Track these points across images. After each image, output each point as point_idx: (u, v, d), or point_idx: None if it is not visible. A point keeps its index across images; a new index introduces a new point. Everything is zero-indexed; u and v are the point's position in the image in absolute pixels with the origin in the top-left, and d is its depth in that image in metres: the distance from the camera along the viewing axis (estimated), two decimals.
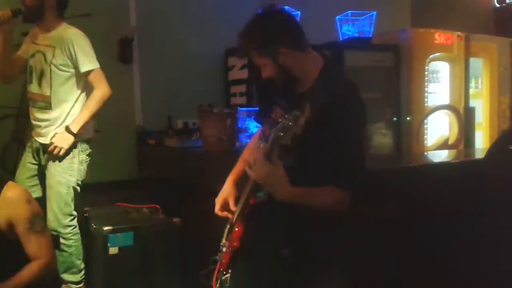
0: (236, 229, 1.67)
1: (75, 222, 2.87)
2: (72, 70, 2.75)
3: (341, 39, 4.25)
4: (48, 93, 2.75)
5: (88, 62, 2.74)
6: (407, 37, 4.39)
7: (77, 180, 2.85)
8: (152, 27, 4.20)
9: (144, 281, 2.79)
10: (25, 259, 1.85)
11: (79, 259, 2.86)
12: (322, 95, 1.49)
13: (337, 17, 4.23)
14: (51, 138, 2.77)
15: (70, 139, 2.74)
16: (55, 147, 2.73)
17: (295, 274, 1.60)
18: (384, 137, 4.27)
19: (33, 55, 2.79)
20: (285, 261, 1.59)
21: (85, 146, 2.87)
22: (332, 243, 1.62)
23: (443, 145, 4.64)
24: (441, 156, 3.97)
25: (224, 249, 1.70)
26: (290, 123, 1.36)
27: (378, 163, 2.87)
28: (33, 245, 1.83)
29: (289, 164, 1.48)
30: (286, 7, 3.84)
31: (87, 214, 3.10)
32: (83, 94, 2.83)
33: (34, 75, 2.78)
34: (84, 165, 2.88)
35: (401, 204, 2.40)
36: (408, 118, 4.37)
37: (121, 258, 2.74)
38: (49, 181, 2.79)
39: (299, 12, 3.92)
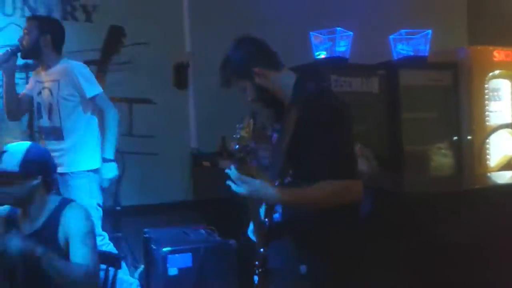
0: (261, 250, 1.74)
1: (105, 241, 2.91)
2: (78, 99, 2.87)
3: (395, 58, 4.18)
4: (58, 125, 2.86)
5: (92, 88, 2.87)
6: (465, 55, 4.28)
7: (97, 202, 2.91)
8: (206, 52, 4.31)
9: None
10: None
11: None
12: (294, 109, 1.63)
13: (391, 36, 4.18)
14: (68, 166, 2.85)
15: (114, 165, 2.90)
16: (110, 179, 2.89)
17: None
18: (445, 157, 4.12)
19: (39, 93, 2.93)
20: (305, 278, 1.62)
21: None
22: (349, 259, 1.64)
23: (507, 166, 4.42)
24: (506, 177, 3.78)
25: (257, 271, 1.76)
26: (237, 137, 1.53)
27: (439, 185, 2.77)
28: (81, 256, 1.88)
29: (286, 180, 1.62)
30: (339, 28, 3.85)
31: (146, 235, 3.17)
32: (91, 119, 2.95)
33: (43, 110, 2.91)
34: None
35: (464, 229, 2.29)
36: (469, 137, 4.20)
37: (179, 279, 2.78)
38: None
39: (351, 33, 3.91)
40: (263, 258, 1.72)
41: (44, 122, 2.93)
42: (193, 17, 4.31)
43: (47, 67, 2.92)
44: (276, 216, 1.72)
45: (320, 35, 3.88)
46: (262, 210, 1.77)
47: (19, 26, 3.74)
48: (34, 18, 2.94)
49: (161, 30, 4.15)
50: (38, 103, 2.94)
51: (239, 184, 1.55)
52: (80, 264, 1.86)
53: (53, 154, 2.81)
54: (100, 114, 2.95)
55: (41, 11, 3.83)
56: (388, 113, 4.00)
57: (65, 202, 2.00)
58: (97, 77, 3.48)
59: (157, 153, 4.10)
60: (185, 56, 4.29)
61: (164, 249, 2.82)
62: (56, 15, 3.86)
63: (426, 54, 4.18)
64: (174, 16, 4.27)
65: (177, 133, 4.24)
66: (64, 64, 2.90)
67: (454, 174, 4.09)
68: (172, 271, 2.77)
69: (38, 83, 2.96)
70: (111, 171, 2.90)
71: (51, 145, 2.86)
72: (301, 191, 1.57)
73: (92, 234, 1.94)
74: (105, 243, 2.91)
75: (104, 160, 2.90)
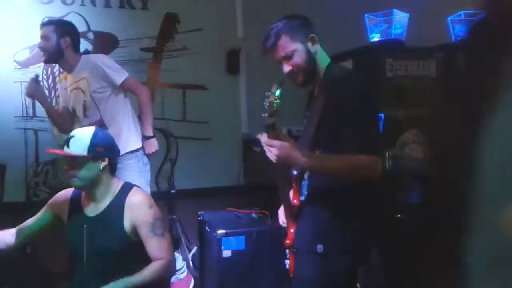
0: (291, 230, 1.84)
1: None
2: (110, 88, 2.96)
3: (453, 40, 4.02)
4: (98, 117, 2.97)
5: (119, 74, 2.96)
6: None
7: (146, 180, 3.05)
8: (258, 38, 4.30)
9: (253, 283, 2.87)
10: (146, 260, 1.97)
11: None
12: (327, 85, 1.74)
13: (449, 18, 4.01)
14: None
15: (154, 141, 3.03)
16: (152, 153, 3.03)
17: (327, 269, 1.70)
18: None
19: (70, 95, 3.03)
20: (320, 257, 1.71)
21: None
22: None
23: None
24: None
25: (287, 251, 1.86)
26: (266, 105, 1.65)
27: None
28: (154, 247, 1.95)
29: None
30: (395, 10, 3.74)
31: (201, 218, 3.25)
32: (125, 102, 3.05)
33: (77, 110, 3.02)
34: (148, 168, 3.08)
35: None
36: None
37: (233, 261, 2.84)
38: None
39: (408, 14, 3.79)
40: (290, 238, 1.82)
41: (83, 121, 3.00)
42: (245, 3, 4.31)
43: (70, 69, 3.00)
44: (302, 198, 1.81)
45: (375, 18, 3.79)
46: (290, 193, 1.87)
47: (79, 14, 3.89)
48: (49, 23, 3.00)
49: (214, 16, 4.19)
50: (72, 107, 3.05)
51: (268, 149, 1.63)
52: (154, 265, 1.93)
53: None
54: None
55: (99, 0, 3.95)
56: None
57: (128, 186, 2.08)
58: (152, 64, 3.57)
59: (210, 138, 4.17)
60: (237, 42, 4.31)
61: (219, 232, 2.88)
62: (114, 3, 3.98)
63: None
64: (227, 2, 4.28)
65: (229, 118, 4.28)
66: (85, 60, 2.98)
67: None
68: (226, 253, 2.83)
69: (66, 90, 3.06)
70: (152, 146, 3.04)
71: None
72: (326, 158, 1.67)
73: (159, 221, 2.01)
74: None
75: (145, 137, 3.02)
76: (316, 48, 1.79)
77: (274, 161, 1.65)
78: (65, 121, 3.12)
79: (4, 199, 3.73)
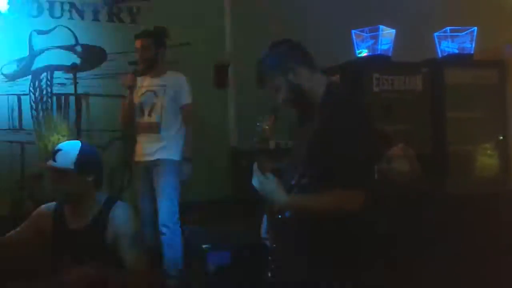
0: (274, 246, 1.80)
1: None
2: (176, 103, 3.32)
3: (440, 56, 4.08)
4: (158, 120, 3.29)
5: (187, 97, 3.34)
6: None
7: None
8: (247, 52, 4.33)
9: None
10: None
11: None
12: (324, 109, 1.68)
13: (435, 34, 4.08)
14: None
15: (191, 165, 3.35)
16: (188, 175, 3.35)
17: None
18: (490, 157, 3.99)
19: (143, 94, 3.34)
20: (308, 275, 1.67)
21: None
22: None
23: None
24: None
25: (270, 267, 1.82)
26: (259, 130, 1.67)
27: (484, 186, 2.69)
28: (132, 258, 1.94)
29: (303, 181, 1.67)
30: (381, 26, 3.79)
31: (187, 232, 3.22)
32: (180, 120, 3.38)
33: (145, 109, 3.32)
34: None
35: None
36: None
37: (218, 276, 2.81)
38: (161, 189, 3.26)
39: (394, 30, 3.84)
40: (275, 254, 1.79)
41: (145, 118, 3.33)
42: (234, 17, 4.35)
43: (156, 75, 3.34)
44: (287, 214, 1.77)
45: (362, 33, 3.83)
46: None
47: (66, 27, 3.89)
48: (149, 35, 3.32)
49: (203, 30, 4.21)
50: (141, 103, 3.34)
51: (255, 178, 1.64)
52: (132, 269, 1.92)
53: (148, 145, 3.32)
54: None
55: (88, 13, 3.96)
56: (432, 112, 3.90)
57: (112, 200, 2.07)
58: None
59: (198, 151, 4.16)
60: (226, 56, 4.33)
61: (204, 246, 2.85)
62: (102, 17, 3.99)
63: (472, 51, 4.06)
64: (216, 17, 4.32)
65: (217, 131, 4.28)
66: (170, 73, 3.35)
67: (499, 175, 3.94)
68: (211, 267, 2.81)
69: (142, 88, 3.36)
70: (189, 169, 3.31)
71: (147, 138, 3.35)
72: (306, 200, 1.66)
73: (139, 233, 2.00)
74: None
75: (185, 159, 3.31)
76: (303, 76, 1.74)
77: (259, 190, 1.65)
78: (132, 115, 3.37)
79: None
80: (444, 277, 2.31)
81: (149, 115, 3.33)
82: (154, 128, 3.31)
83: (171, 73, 3.38)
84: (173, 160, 3.29)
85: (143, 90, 3.36)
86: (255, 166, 1.65)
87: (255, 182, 1.65)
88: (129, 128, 3.51)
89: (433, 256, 2.38)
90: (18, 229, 2.14)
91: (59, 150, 1.98)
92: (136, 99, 3.36)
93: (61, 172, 1.95)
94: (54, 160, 1.96)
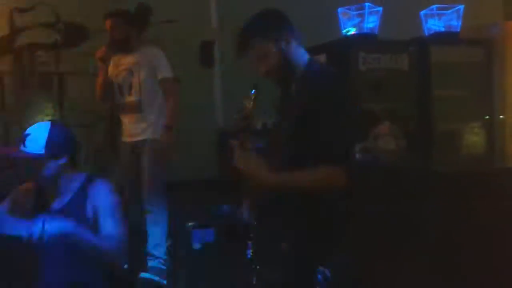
0: (255, 223, 1.81)
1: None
2: (153, 79, 3.23)
3: (426, 34, 4.07)
4: (138, 98, 3.25)
5: (164, 72, 3.25)
6: (499, 30, 4.12)
7: None
8: (233, 30, 4.28)
9: (224, 274, 2.87)
10: None
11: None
12: (305, 83, 1.67)
13: (422, 12, 4.06)
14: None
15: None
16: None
17: (291, 270, 1.66)
18: (476, 136, 4.03)
19: (120, 73, 3.30)
20: (285, 255, 1.68)
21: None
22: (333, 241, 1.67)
23: None
24: None
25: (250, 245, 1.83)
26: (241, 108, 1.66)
27: (470, 164, 2.71)
28: (109, 227, 1.94)
29: (284, 157, 1.67)
30: (368, 4, 3.76)
31: (172, 211, 3.23)
32: (161, 95, 3.30)
33: (124, 89, 3.29)
34: None
35: (495, 207, 2.25)
36: (501, 116, 4.09)
37: (203, 253, 2.85)
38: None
39: (381, 8, 3.81)
40: (255, 232, 1.79)
41: (125, 98, 3.30)
42: None
43: (129, 51, 3.27)
44: (269, 192, 1.75)
45: (349, 11, 3.80)
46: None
47: (48, 4, 3.80)
48: (118, 15, 3.24)
49: (188, 7, 4.14)
50: (119, 84, 3.30)
51: (237, 157, 1.63)
52: (110, 235, 1.91)
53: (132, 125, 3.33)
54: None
55: None
56: (418, 90, 3.91)
57: (91, 178, 2.05)
58: None
59: (185, 132, 4.14)
60: (212, 33, 4.27)
61: (189, 224, 2.88)
62: None
63: (458, 30, 4.05)
64: None
65: (203, 111, 4.25)
66: (144, 49, 3.26)
67: (485, 153, 3.99)
68: (196, 245, 2.84)
69: (117, 67, 3.31)
70: (169, 137, 3.23)
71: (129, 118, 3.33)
72: (291, 176, 1.64)
73: (118, 206, 2.00)
74: None
75: (165, 126, 3.25)
76: (291, 46, 1.72)
77: (240, 169, 1.65)
78: (108, 92, 3.34)
79: None
80: (427, 258, 2.34)
81: (129, 94, 3.29)
82: (135, 108, 3.27)
83: (145, 49, 3.30)
84: (159, 139, 3.27)
85: (120, 69, 3.32)
86: (237, 144, 1.64)
87: (238, 160, 1.64)
88: (109, 106, 3.48)
89: (417, 234, 2.41)
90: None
91: (28, 134, 1.93)
92: (115, 80, 3.32)
93: (32, 158, 1.91)
94: (24, 146, 1.92)
